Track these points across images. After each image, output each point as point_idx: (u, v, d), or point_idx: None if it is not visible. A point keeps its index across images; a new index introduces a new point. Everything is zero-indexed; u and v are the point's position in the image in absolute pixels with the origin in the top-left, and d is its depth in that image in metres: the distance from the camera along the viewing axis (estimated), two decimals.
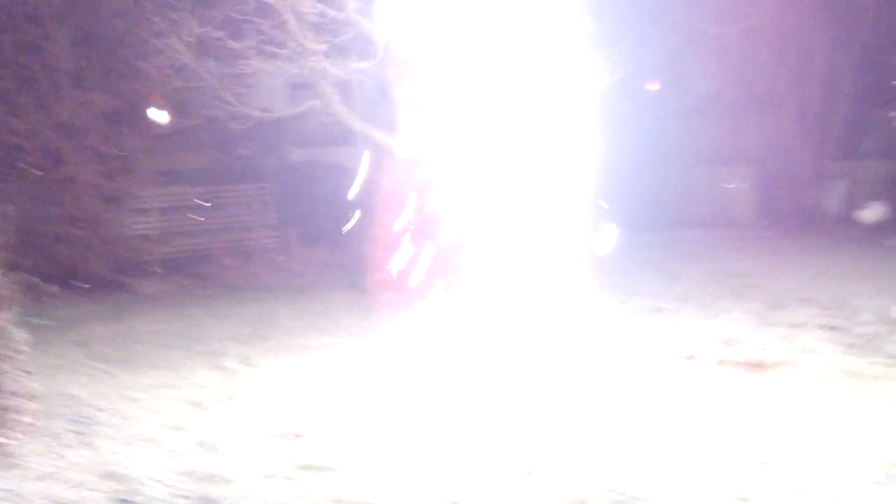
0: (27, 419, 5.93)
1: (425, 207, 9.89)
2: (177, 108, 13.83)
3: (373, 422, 5.80)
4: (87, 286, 11.87)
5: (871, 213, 15.13)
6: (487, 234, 8.62)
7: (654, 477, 4.65)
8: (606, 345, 7.50)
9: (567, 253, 8.74)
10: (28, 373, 7.14)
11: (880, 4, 15.00)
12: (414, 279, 9.29)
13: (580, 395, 6.19)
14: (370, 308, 9.76)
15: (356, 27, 9.84)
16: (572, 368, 6.83)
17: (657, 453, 5.00)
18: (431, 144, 9.55)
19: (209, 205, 14.08)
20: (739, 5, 14.46)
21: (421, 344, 7.91)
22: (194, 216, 13.96)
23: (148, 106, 13.47)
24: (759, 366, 6.77)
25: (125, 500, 4.60)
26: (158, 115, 14.07)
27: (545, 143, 9.02)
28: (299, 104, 11.98)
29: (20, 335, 6.47)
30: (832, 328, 7.95)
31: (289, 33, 9.59)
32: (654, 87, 16.27)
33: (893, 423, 5.34)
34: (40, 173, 12.03)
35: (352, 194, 10.60)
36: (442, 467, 4.91)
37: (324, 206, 14.10)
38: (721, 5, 14.46)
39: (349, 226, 11.49)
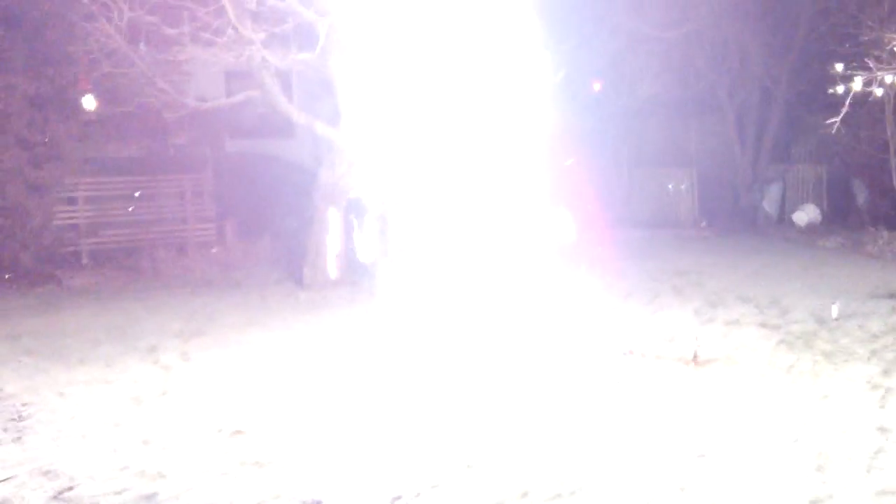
0: None
1: (366, 200, 9.78)
2: (107, 95, 13.34)
3: (310, 417, 5.67)
4: (11, 277, 11.41)
5: (803, 214, 15.71)
6: (431, 228, 8.56)
7: (593, 469, 4.67)
8: (545, 340, 7.52)
9: (509, 250, 8.74)
10: None
11: (814, 15, 15.52)
12: (353, 272, 9.17)
13: (518, 388, 6.18)
14: (308, 301, 9.60)
15: (297, 16, 9.63)
16: (511, 362, 6.83)
17: (597, 446, 5.02)
18: (373, 136, 9.43)
19: (141, 195, 13.65)
20: (680, 10, 14.74)
21: (359, 337, 7.82)
22: (125, 206, 13.52)
23: (76, 91, 12.97)
24: (696, 361, 6.88)
25: (60, 496, 4.39)
26: (87, 101, 13.57)
27: (488, 138, 9.00)
28: (237, 94, 11.70)
29: None
30: (766, 325, 8.15)
31: (226, 21, 9.31)
32: (597, 87, 16.49)
33: (823, 416, 5.48)
34: None
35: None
36: (383, 462, 4.83)
37: (262, 198, 13.86)
38: (662, 10, 14.71)
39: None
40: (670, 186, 16.45)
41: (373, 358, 7.10)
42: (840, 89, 10.39)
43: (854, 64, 10.56)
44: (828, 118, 10.24)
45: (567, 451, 4.96)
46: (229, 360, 7.25)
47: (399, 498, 4.36)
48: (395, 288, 8.74)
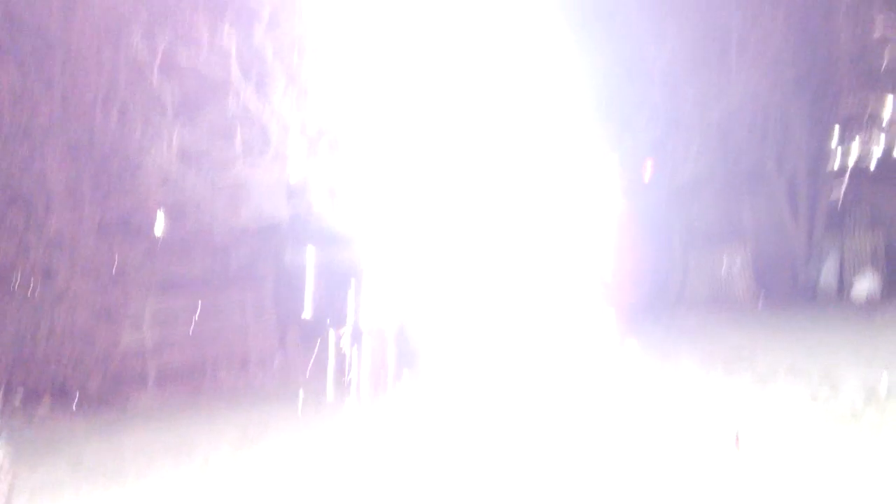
0: None
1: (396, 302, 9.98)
2: (168, 217, 14.02)
3: None
4: (80, 403, 11.79)
5: (861, 285, 15.20)
6: (461, 319, 8.78)
7: None
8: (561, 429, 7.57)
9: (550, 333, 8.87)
10: (10, 493, 7.08)
11: (857, 78, 15.33)
12: (389, 373, 9.41)
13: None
14: (347, 409, 9.79)
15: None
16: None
17: None
18: (409, 235, 9.71)
19: (204, 313, 14.08)
20: (716, 88, 14.81)
21: (408, 429, 8.10)
22: (189, 325, 13.96)
23: (139, 216, 13.65)
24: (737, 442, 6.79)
25: None
26: (150, 225, 14.26)
27: (528, 226, 9.18)
28: (291, 207, 12.19)
29: (4, 455, 6.48)
30: (816, 398, 8.12)
31: (269, 140, 9.89)
32: (645, 172, 16.51)
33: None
34: (32, 289, 12.11)
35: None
36: None
37: (322, 308, 14.15)
38: (698, 89, 14.81)
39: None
40: (724, 264, 16.17)
41: (409, 452, 7.31)
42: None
43: None
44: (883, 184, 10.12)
45: None
46: (271, 471, 7.47)
47: None
48: (439, 387, 8.86)
